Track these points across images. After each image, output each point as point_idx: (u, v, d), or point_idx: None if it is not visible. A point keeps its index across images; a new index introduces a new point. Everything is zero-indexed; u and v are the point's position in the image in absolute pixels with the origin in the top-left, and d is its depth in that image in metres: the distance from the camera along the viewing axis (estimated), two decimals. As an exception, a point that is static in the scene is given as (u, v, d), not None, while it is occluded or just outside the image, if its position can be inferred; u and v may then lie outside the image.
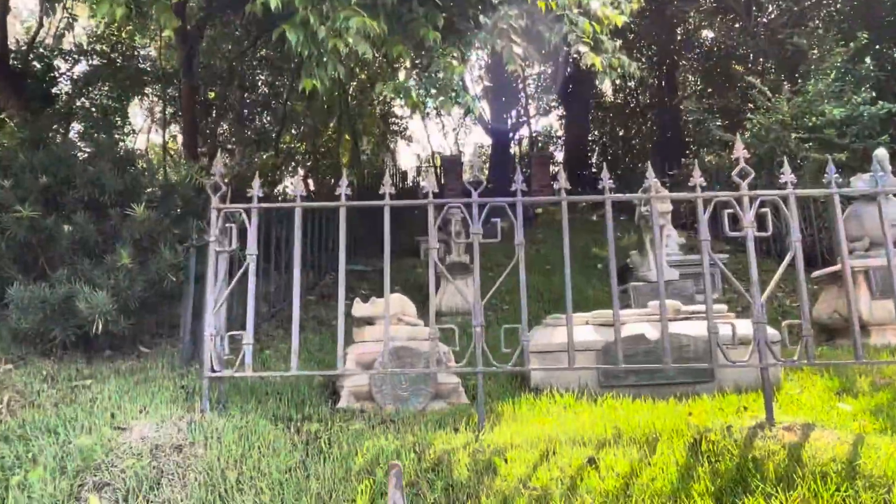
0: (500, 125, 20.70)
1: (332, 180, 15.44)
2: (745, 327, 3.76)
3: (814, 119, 8.48)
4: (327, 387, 4.32)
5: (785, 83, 9.31)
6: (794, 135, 8.51)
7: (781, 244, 9.13)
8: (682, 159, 12.28)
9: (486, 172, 23.08)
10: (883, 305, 5.06)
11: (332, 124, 18.39)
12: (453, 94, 4.15)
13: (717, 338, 3.34)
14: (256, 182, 3.57)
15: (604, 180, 3.60)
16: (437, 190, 3.63)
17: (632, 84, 20.48)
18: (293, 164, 15.33)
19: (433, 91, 4.09)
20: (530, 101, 25.07)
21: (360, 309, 4.10)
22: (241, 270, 3.46)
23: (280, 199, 11.57)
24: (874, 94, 8.63)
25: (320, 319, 6.89)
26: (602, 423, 3.27)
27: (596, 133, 23.16)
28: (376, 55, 4.18)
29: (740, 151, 3.55)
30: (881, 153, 5.23)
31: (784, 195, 3.49)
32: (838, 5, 10.36)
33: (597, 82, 6.71)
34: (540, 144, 25.45)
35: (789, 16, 10.34)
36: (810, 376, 4.12)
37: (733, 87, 11.95)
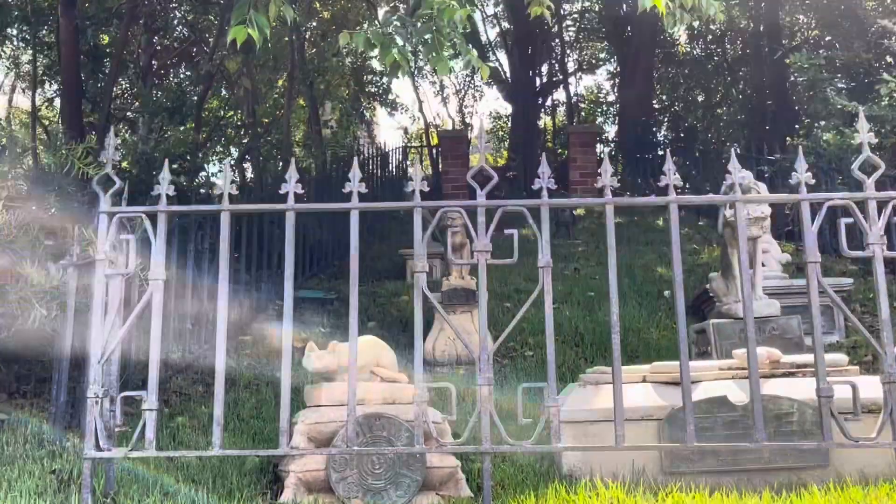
0: (525, 87, 20.82)
1: (280, 166, 15.52)
2: (874, 388, 3.79)
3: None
4: (266, 471, 4.35)
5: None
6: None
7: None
8: (788, 138, 12.35)
9: (506, 154, 23.22)
10: None
11: (280, 83, 18.48)
12: (449, 49, 4.18)
13: (831, 403, 3.38)
14: (165, 172, 3.62)
15: (668, 173, 3.65)
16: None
17: (716, 27, 20.61)
18: (222, 141, 15.38)
19: (421, 44, 4.12)
20: (569, 51, 25.29)
21: (314, 359, 4.13)
22: (142, 301, 3.50)
23: (204, 193, 11.63)
24: None
25: (259, 370, 6.92)
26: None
27: (664, 98, 23.30)
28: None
29: (864, 133, 3.60)
30: None
31: (862, 199, 3.54)
32: None
33: (664, 25, 6.76)
34: (583, 114, 25.62)
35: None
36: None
37: (864, 33, 11.99)
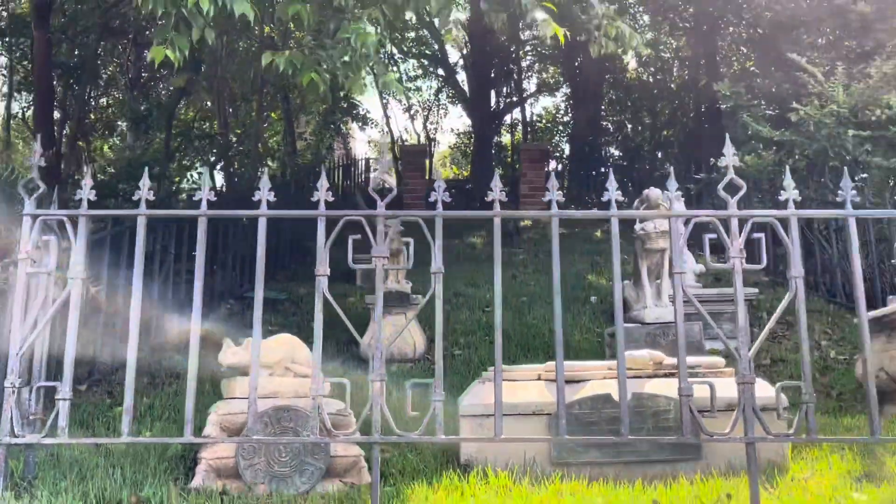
0: (483, 107, 20.91)
1: (251, 172, 15.49)
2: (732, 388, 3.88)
3: (878, 112, 8.74)
4: (187, 459, 4.35)
5: (839, 64, 9.60)
6: (851, 132, 8.76)
7: (832, 277, 9.37)
8: (715, 159, 12.51)
9: (469, 168, 23.30)
10: (941, 362, 5.24)
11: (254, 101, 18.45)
12: (366, 70, 4.22)
13: (691, 401, 3.46)
14: (87, 180, 3.62)
15: (610, 190, 3.70)
16: (329, 197, 3.70)
17: (666, 56, 20.89)
18: (194, 149, 15.28)
19: (340, 65, 4.16)
20: (530, 74, 25.47)
21: (229, 355, 4.15)
22: (60, 298, 3.50)
23: (182, 199, 11.55)
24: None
25: (205, 367, 6.90)
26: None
27: (615, 119, 23.51)
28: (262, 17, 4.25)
29: (730, 157, 3.69)
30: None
31: (783, 217, 3.64)
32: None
33: (592, 50, 6.86)
34: (540, 132, 25.77)
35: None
36: (828, 455, 4.25)
37: (783, 65, 12.25)
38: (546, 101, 31.99)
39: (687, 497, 3.65)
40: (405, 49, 25.04)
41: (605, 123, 22.97)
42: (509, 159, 23.57)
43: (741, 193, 3.66)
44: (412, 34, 23.32)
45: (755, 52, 16.38)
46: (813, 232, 9.42)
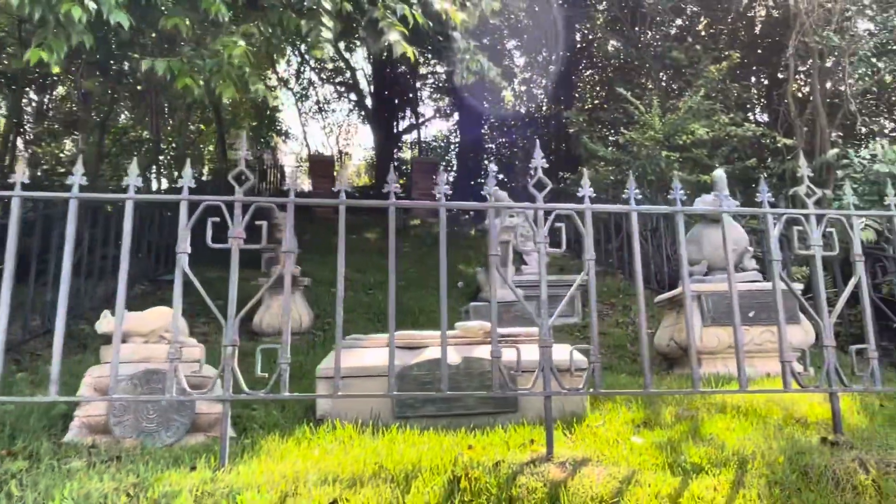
0: (383, 126, 20.74)
1: (176, 174, 14.77)
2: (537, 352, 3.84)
3: (685, 137, 9.06)
4: (69, 418, 4.00)
5: (655, 98, 9.91)
6: (665, 153, 9.04)
7: (648, 267, 9.63)
8: (565, 172, 12.79)
9: (374, 179, 23.05)
10: (714, 333, 5.40)
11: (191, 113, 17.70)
12: (236, 78, 3.98)
13: (500, 362, 3.39)
14: (19, 167, 3.27)
15: (439, 184, 3.58)
16: (192, 184, 3.44)
17: (539, 92, 21.28)
18: (126, 153, 14.46)
19: (213, 73, 3.90)
20: (424, 102, 25.48)
21: (105, 324, 3.83)
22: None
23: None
24: (745, 115, 9.36)
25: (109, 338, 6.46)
26: (364, 460, 3.20)
27: (497, 141, 23.79)
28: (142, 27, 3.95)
29: (538, 160, 3.65)
30: (718, 174, 5.62)
31: (580, 210, 3.62)
32: (717, 26, 11.25)
33: (455, 78, 6.82)
34: (434, 150, 25.81)
35: (670, 31, 11.10)
36: (620, 407, 4.28)
37: (619, 100, 12.65)
38: (441, 125, 32.18)
39: (498, 442, 3.58)
40: (323, 77, 24.67)
41: (487, 144, 23.20)
42: (407, 172, 23.51)
43: (547, 189, 3.62)
44: (330, 65, 23.03)
45: (602, 89, 16.85)
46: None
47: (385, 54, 5.82)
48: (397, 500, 2.87)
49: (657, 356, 6.34)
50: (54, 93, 14.83)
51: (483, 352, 4.33)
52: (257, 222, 3.40)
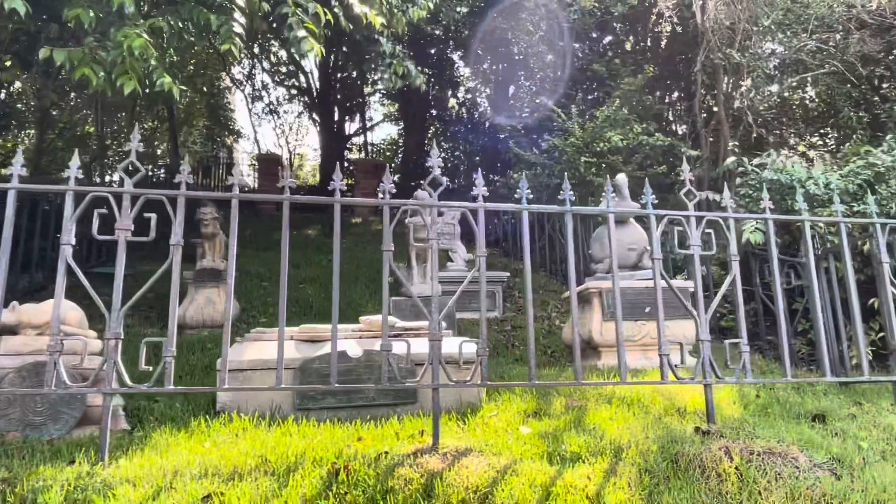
0: (329, 129, 20.36)
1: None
2: (454, 346, 3.74)
3: (602, 145, 9.11)
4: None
5: (573, 107, 9.95)
6: (584, 158, 9.07)
7: (565, 265, 9.67)
8: (496, 175, 12.79)
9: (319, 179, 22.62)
10: (612, 327, 5.39)
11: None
12: (140, 71, 3.73)
13: (390, 355, 3.26)
14: (19, 156, 2.98)
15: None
16: (79, 175, 3.20)
17: (481, 100, 21.23)
18: (69, 148, 13.77)
19: (114, 65, 3.65)
20: (374, 107, 25.17)
21: (6, 316, 3.53)
22: None
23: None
24: (659, 125, 9.47)
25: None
26: (251, 452, 3.03)
27: (441, 146, 23.66)
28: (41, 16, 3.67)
29: (435, 160, 3.56)
30: (620, 178, 5.62)
31: (474, 208, 3.53)
32: (642, 43, 11.40)
33: (381, 83, 6.67)
34: (381, 153, 25.53)
35: (598, 46, 11.21)
36: (516, 398, 4.20)
37: (544, 109, 12.73)
38: (391, 129, 31.85)
39: (390, 434, 3.45)
40: (277, 80, 24.11)
41: (430, 148, 23.05)
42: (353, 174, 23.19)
43: (441, 188, 3.52)
44: (283, 69, 22.50)
45: (534, 99, 16.93)
46: (556, 232, 9.69)
47: (325, 56, 5.56)
48: (274, 494, 2.71)
49: (565, 349, 6.32)
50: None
51: (397, 346, 4.18)
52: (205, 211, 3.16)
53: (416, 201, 3.57)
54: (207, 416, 3.73)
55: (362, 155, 24.67)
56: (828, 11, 7.79)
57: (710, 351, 3.59)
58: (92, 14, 3.61)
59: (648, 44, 11.19)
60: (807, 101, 9.95)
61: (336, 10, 5.36)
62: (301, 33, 4.17)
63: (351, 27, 5.44)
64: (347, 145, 23.46)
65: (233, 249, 3.29)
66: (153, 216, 3.26)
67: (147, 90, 3.86)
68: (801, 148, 10.43)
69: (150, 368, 3.06)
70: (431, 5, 7.10)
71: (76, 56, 3.59)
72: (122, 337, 3.08)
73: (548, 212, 5.86)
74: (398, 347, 3.37)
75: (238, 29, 4.06)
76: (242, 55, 20.09)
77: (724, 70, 8.72)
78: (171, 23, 3.90)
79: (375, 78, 21.61)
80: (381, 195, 3.45)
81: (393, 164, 23.82)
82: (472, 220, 3.51)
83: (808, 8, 7.93)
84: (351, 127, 23.82)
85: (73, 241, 3.11)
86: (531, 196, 3.66)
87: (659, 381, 3.55)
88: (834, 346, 5.17)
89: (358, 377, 3.93)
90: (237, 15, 4.06)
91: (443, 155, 22.91)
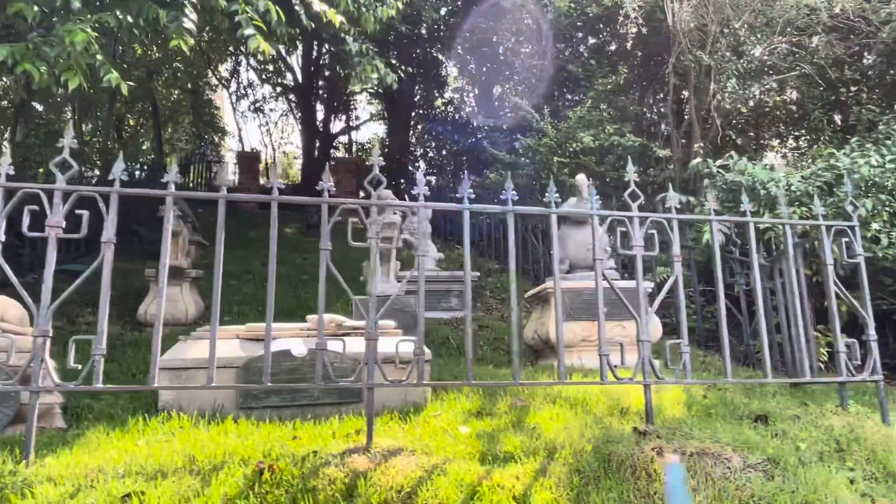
0: (311, 128, 20.30)
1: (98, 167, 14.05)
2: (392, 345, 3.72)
3: (574, 145, 9.11)
4: None
5: (546, 107, 9.96)
6: (557, 158, 9.07)
7: (536, 265, 9.68)
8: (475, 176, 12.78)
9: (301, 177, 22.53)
10: (570, 327, 5.40)
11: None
12: (85, 66, 3.67)
13: (325, 354, 3.24)
14: (7, 156, 2.93)
15: (324, 181, 3.43)
16: (12, 171, 3.15)
17: (469, 99, 21.23)
18: (45, 143, 13.63)
19: (59, 60, 3.59)
20: (361, 106, 25.10)
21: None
22: None
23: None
24: (637, 127, 9.49)
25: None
26: (181, 451, 2.99)
27: (426, 144, 23.61)
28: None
29: (376, 158, 3.53)
30: (579, 178, 5.63)
31: (415, 207, 3.52)
32: (617, 44, 11.43)
33: (351, 83, 6.68)
34: (366, 152, 25.49)
35: (579, 48, 11.23)
36: (461, 397, 4.18)
37: (519, 109, 12.75)
38: (378, 128, 31.77)
39: (327, 433, 3.42)
40: (263, 78, 23.97)
41: (415, 148, 23.04)
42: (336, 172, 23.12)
43: (382, 187, 3.50)
44: (271, 66, 22.41)
45: (514, 99, 16.98)
46: (528, 232, 9.69)
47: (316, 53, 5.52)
48: (196, 493, 2.68)
49: (527, 349, 6.31)
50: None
51: (333, 344, 4.16)
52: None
53: (356, 200, 3.55)
54: (147, 415, 3.69)
55: (350, 154, 24.63)
56: (795, 15, 7.82)
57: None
58: (36, 9, 3.56)
59: (628, 47, 11.25)
60: (780, 104, 10.00)
61: (297, 7, 5.32)
62: (249, 31, 4.13)
63: (313, 25, 5.41)
64: (334, 144, 23.39)
65: (219, 251, 3.27)
66: (85, 213, 3.22)
67: (91, 87, 3.82)
68: (773, 150, 10.48)
69: (80, 367, 3.03)
70: (401, 5, 7.05)
71: (20, 51, 3.54)
72: (51, 334, 3.04)
73: (489, 212, 5.86)
74: (340, 346, 3.34)
75: (189, 25, 4.02)
76: (227, 53, 19.99)
77: (694, 72, 8.74)
78: (120, 17, 3.85)
79: (348, 74, 21.61)
80: (324, 194, 3.42)
81: (362, 160, 23.77)
82: (364, 217, 3.49)
83: (775, 11, 7.96)
84: (336, 126, 23.77)
85: (3, 238, 3.05)
86: (516, 197, 3.66)
87: (599, 381, 3.55)
88: (788, 347, 5.19)
89: (303, 376, 3.91)
90: (188, 11, 4.02)
91: (430, 154, 23.03)
